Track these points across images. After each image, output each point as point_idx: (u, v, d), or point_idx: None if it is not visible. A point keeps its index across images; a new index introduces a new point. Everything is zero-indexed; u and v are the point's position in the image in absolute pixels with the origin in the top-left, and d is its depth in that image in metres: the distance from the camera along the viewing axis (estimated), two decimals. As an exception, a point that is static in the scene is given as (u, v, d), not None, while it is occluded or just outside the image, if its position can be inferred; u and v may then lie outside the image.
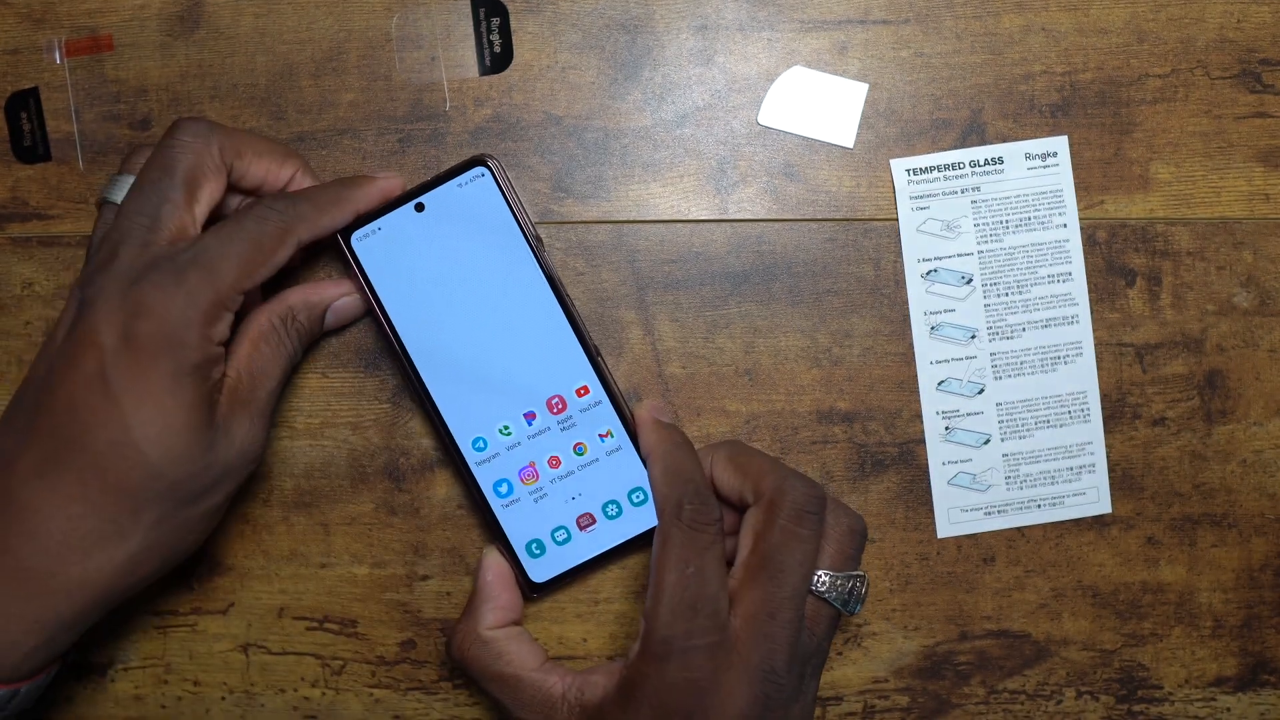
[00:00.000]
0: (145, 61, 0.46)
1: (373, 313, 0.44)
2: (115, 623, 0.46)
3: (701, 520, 0.40)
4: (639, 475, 0.44)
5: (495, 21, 0.46)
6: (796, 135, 0.46)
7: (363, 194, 0.42)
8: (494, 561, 0.44)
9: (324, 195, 0.41)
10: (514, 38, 0.46)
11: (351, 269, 0.44)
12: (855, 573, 0.40)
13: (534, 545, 0.44)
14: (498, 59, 0.46)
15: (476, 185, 0.44)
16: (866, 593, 0.40)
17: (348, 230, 0.44)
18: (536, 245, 0.44)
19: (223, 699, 0.46)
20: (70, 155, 0.46)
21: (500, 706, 0.41)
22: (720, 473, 0.42)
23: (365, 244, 0.44)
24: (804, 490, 0.39)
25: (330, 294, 0.44)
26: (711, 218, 0.46)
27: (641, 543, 0.45)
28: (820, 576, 0.39)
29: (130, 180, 0.40)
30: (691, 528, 0.39)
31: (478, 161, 0.44)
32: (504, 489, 0.44)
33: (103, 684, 0.47)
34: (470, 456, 0.44)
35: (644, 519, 0.44)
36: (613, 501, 0.44)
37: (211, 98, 0.46)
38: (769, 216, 0.46)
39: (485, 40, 0.46)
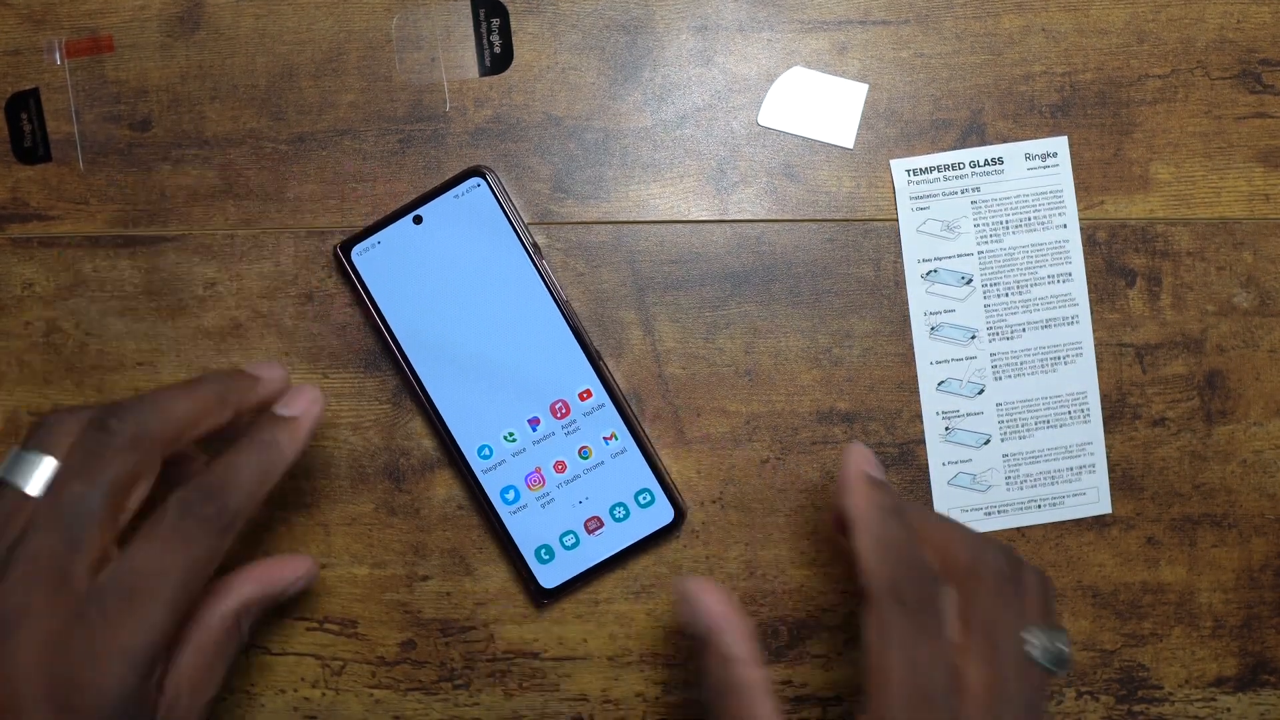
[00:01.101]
0: (145, 62, 0.46)
1: (375, 325, 0.44)
2: (115, 623, 0.46)
3: (925, 603, 0.35)
4: (644, 477, 0.44)
5: (495, 22, 0.46)
6: (796, 135, 0.46)
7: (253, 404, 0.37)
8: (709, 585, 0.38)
9: (248, 468, 0.35)
10: (514, 38, 0.46)
11: (352, 282, 0.44)
12: (1058, 629, 0.37)
13: (543, 551, 0.44)
14: (498, 59, 0.46)
15: (473, 196, 0.44)
16: (1070, 652, 0.37)
17: (347, 244, 0.44)
18: (534, 253, 0.44)
19: (223, 699, 0.46)
20: (70, 156, 0.46)
21: None
22: None
23: (365, 257, 0.44)
24: (1001, 555, 0.36)
25: (288, 577, 0.39)
26: (711, 218, 0.46)
27: (649, 544, 0.45)
28: (1028, 640, 0.36)
29: (44, 463, 0.33)
30: (917, 612, 0.35)
31: (474, 172, 0.44)
32: (511, 496, 0.44)
33: (103, 684, 0.47)
34: (476, 464, 0.44)
35: (651, 520, 0.44)
36: (620, 504, 0.44)
37: (211, 98, 0.46)
38: (769, 217, 0.46)
39: (485, 41, 0.46)
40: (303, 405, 0.38)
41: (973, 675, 0.35)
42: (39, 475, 0.34)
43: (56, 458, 0.34)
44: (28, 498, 0.33)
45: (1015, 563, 0.37)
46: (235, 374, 0.38)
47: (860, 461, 0.38)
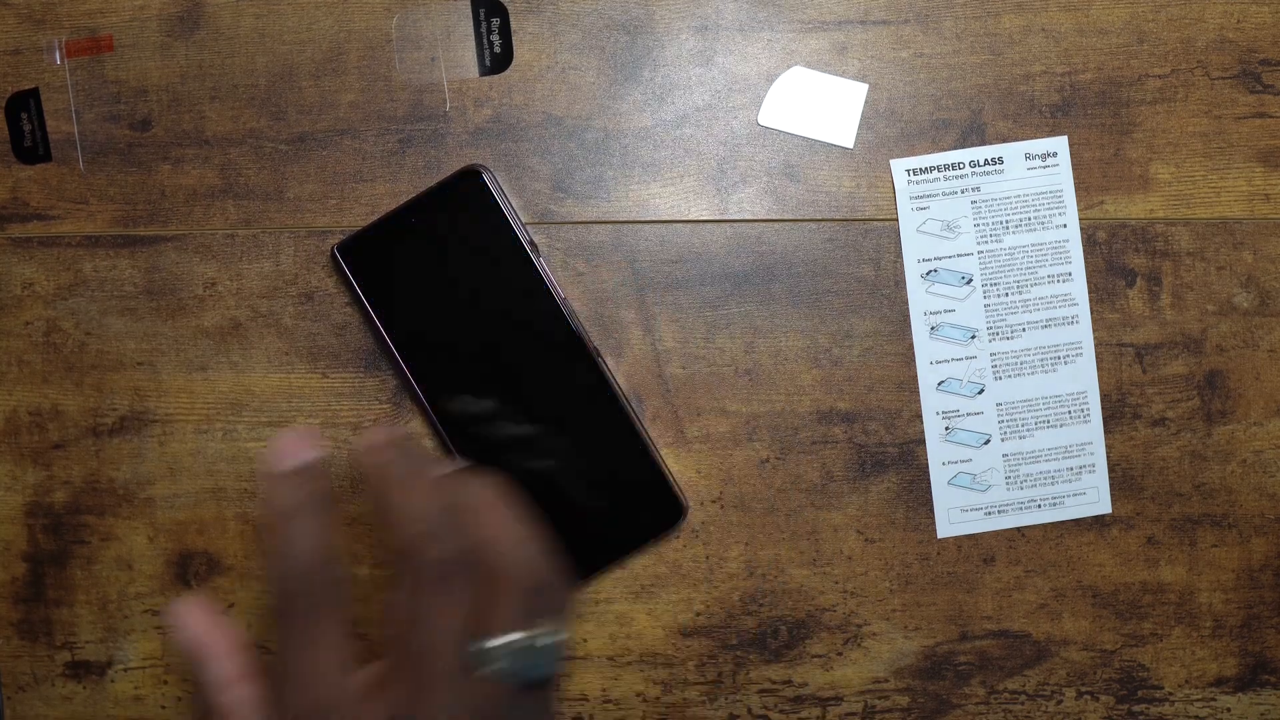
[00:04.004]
0: (145, 62, 0.46)
1: (371, 327, 0.44)
2: (114, 622, 0.46)
3: (316, 609, 0.31)
4: (645, 477, 0.44)
5: (495, 22, 0.46)
6: (796, 135, 0.46)
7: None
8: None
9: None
10: (514, 38, 0.46)
11: (350, 283, 0.44)
12: (537, 635, 0.30)
13: None
14: (498, 59, 0.46)
15: (470, 195, 0.44)
16: (557, 649, 0.30)
17: (344, 246, 0.44)
18: (533, 251, 0.44)
19: (223, 699, 0.46)
20: (71, 156, 0.46)
21: None
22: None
23: (361, 259, 0.44)
24: (442, 544, 0.30)
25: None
26: (711, 218, 0.46)
27: (649, 544, 0.45)
28: (483, 647, 0.30)
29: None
30: (303, 623, 0.31)
31: (471, 172, 0.44)
32: None
33: (103, 684, 0.47)
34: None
35: (652, 520, 0.44)
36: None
37: (211, 98, 0.46)
38: (769, 217, 0.46)
39: (485, 41, 0.46)
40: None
41: (386, 694, 0.30)
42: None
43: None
44: None
45: (467, 551, 0.31)
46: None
47: (278, 457, 0.32)
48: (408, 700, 0.30)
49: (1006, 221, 0.46)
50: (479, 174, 0.44)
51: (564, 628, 0.31)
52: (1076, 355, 0.46)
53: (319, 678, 0.30)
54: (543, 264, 0.44)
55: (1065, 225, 0.46)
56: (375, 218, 0.45)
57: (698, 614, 0.46)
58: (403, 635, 0.30)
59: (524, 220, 0.46)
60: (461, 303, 0.44)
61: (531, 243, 0.44)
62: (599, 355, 0.45)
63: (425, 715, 0.29)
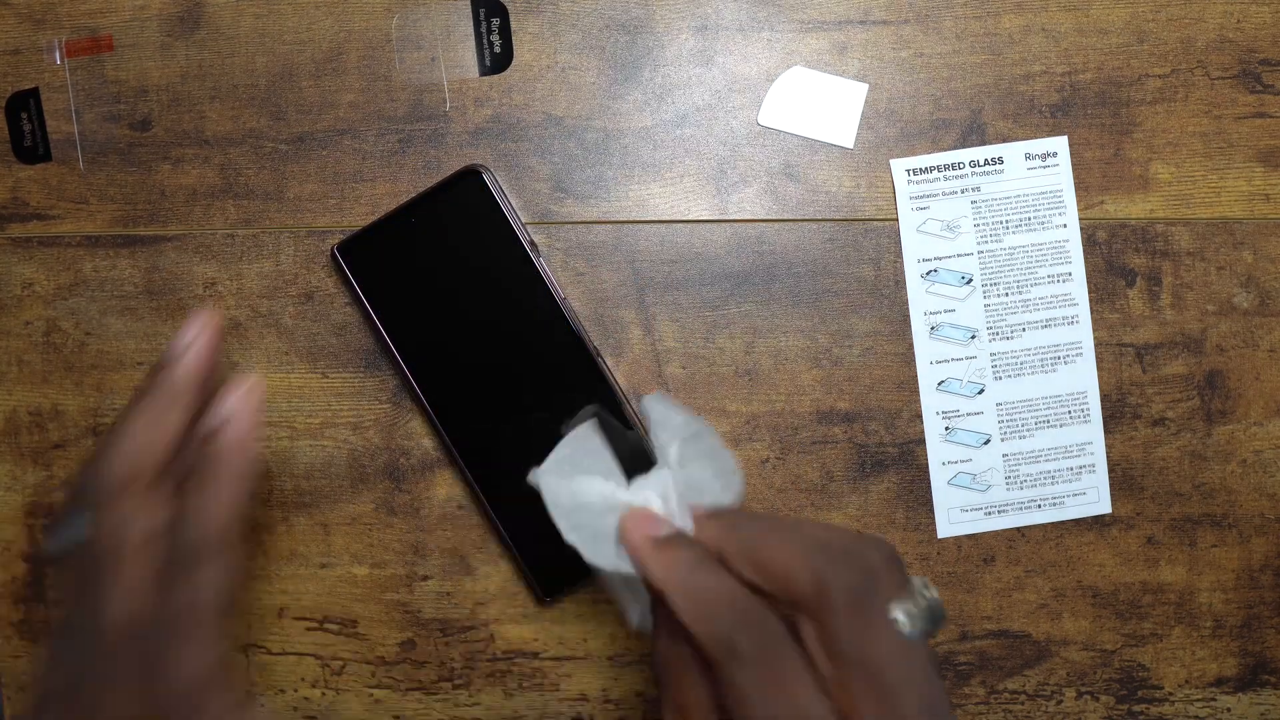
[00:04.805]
0: (145, 62, 0.46)
1: (371, 327, 0.44)
2: (115, 623, 0.46)
3: (770, 646, 0.31)
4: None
5: (495, 22, 0.46)
6: (796, 135, 0.46)
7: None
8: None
9: (212, 502, 0.35)
10: (514, 38, 0.46)
11: (348, 283, 0.44)
12: (918, 591, 0.32)
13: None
14: (498, 59, 0.46)
15: (470, 195, 0.44)
16: (937, 596, 0.33)
17: (343, 246, 0.44)
18: (532, 251, 0.44)
19: (223, 699, 0.46)
20: (71, 156, 0.46)
21: None
22: (740, 575, 0.33)
23: (361, 259, 0.44)
24: (843, 564, 0.32)
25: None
26: (711, 218, 0.46)
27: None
28: (899, 621, 0.32)
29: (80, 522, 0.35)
30: (760, 664, 0.31)
31: (470, 172, 0.44)
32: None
33: (103, 684, 0.47)
34: (475, 465, 0.44)
35: None
36: None
37: (211, 98, 0.46)
38: (769, 217, 0.46)
39: (485, 41, 0.46)
40: (230, 411, 0.36)
41: (858, 704, 0.31)
42: (77, 531, 0.35)
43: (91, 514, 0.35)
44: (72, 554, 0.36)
45: (868, 572, 0.32)
46: (161, 378, 0.37)
47: (638, 528, 0.33)
48: (872, 701, 0.31)
49: (1006, 221, 0.46)
50: (479, 174, 0.44)
51: (925, 581, 0.33)
52: (1076, 355, 0.46)
53: (815, 705, 0.31)
54: (542, 264, 0.44)
55: (1065, 225, 0.46)
56: (375, 217, 0.45)
57: (698, 614, 0.46)
58: (850, 664, 0.31)
59: (524, 220, 0.46)
60: (461, 303, 0.44)
61: (531, 242, 0.44)
62: (599, 355, 0.45)
63: (892, 702, 0.30)
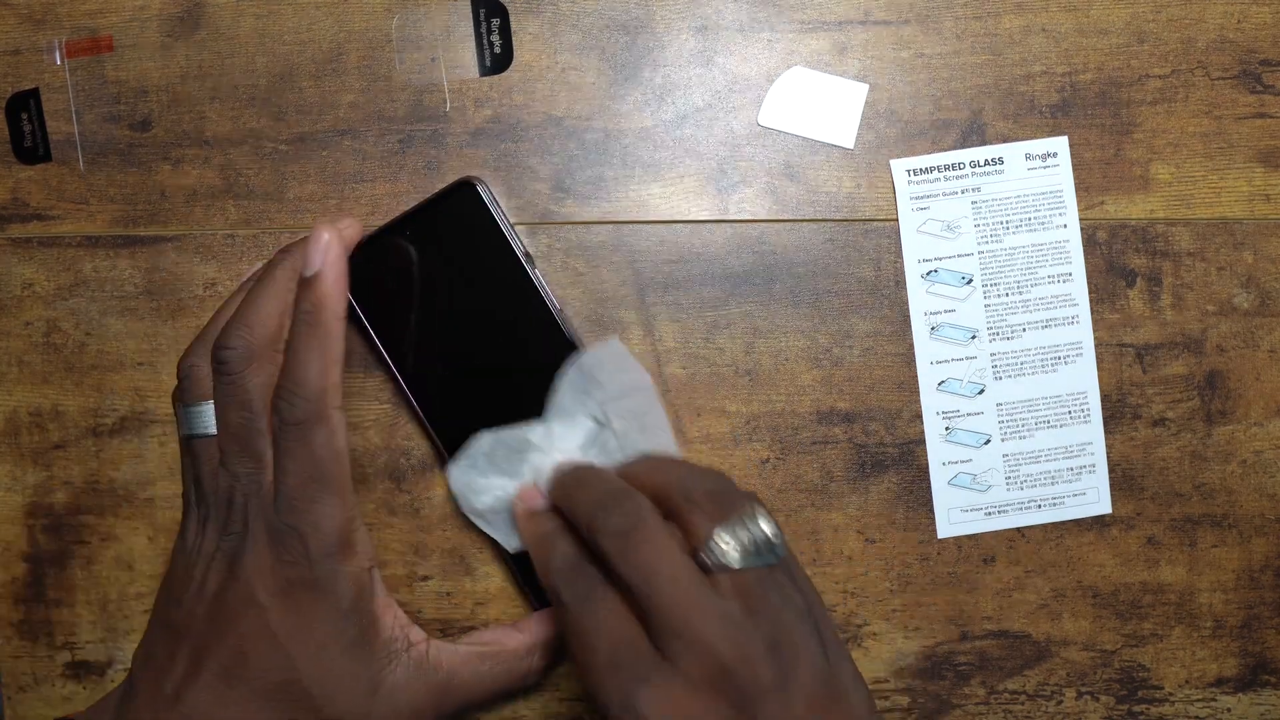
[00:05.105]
0: (145, 62, 0.46)
1: (367, 340, 0.44)
2: (115, 622, 0.46)
3: (574, 577, 0.36)
4: None
5: (495, 22, 0.46)
6: (796, 136, 0.46)
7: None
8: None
9: (306, 351, 0.39)
10: (514, 38, 0.46)
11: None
12: (740, 519, 0.36)
13: None
14: (498, 60, 0.46)
15: (465, 207, 0.44)
16: (768, 523, 0.36)
17: None
18: (528, 263, 0.44)
19: (223, 699, 0.46)
20: (71, 156, 0.46)
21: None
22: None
23: (354, 273, 0.44)
24: (615, 510, 0.36)
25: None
26: (711, 218, 0.46)
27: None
28: (713, 547, 0.35)
29: (209, 409, 0.40)
30: (573, 585, 0.36)
31: (465, 184, 0.44)
32: None
33: (102, 684, 0.47)
34: None
35: None
36: None
37: (211, 99, 0.46)
38: (769, 217, 0.46)
39: (485, 41, 0.46)
40: (318, 259, 0.40)
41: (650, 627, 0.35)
42: (210, 418, 0.40)
43: (210, 398, 0.40)
44: (214, 436, 0.40)
45: (637, 512, 0.36)
46: (291, 253, 0.41)
47: (520, 504, 0.41)
48: (670, 625, 0.34)
49: (1007, 221, 0.46)
50: (474, 185, 0.44)
51: (757, 506, 0.36)
52: (1076, 355, 0.46)
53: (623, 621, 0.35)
54: (538, 275, 0.44)
55: (1065, 225, 0.46)
56: (370, 231, 0.44)
57: (698, 614, 0.46)
58: (633, 588, 0.34)
59: (524, 221, 0.46)
60: (457, 315, 0.44)
61: (527, 254, 0.44)
62: None
63: (693, 624, 0.34)
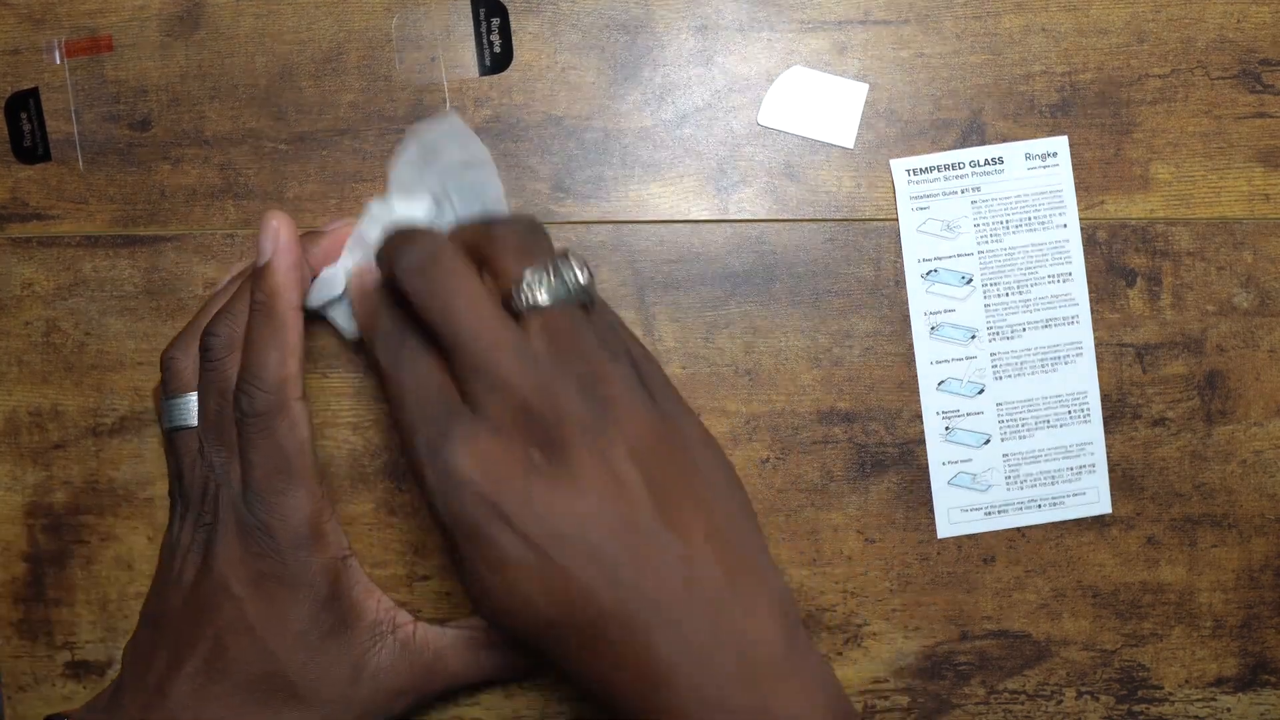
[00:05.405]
0: (145, 62, 0.46)
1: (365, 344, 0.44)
2: (115, 622, 0.46)
3: (389, 333, 0.36)
4: None
5: (495, 22, 0.46)
6: (796, 135, 0.46)
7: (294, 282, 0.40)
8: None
9: (261, 342, 0.39)
10: (514, 38, 0.46)
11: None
12: (550, 260, 0.34)
13: None
14: (498, 59, 0.46)
15: None
16: (580, 266, 0.34)
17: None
18: None
19: (223, 699, 0.46)
20: (70, 156, 0.46)
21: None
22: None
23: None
24: (413, 247, 0.34)
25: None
26: (711, 218, 0.46)
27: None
28: (521, 288, 0.34)
29: (188, 402, 0.41)
30: (389, 337, 0.35)
31: None
32: None
33: (102, 684, 0.47)
34: None
35: None
36: None
37: (211, 98, 0.46)
38: (769, 217, 0.46)
39: (485, 40, 0.46)
40: (268, 247, 0.40)
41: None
42: (189, 411, 0.40)
43: (195, 390, 0.41)
44: (194, 429, 0.41)
45: (429, 250, 0.34)
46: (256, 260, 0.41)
47: (358, 278, 0.39)
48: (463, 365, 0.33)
49: (1006, 221, 0.46)
50: None
51: (570, 252, 0.35)
52: (1076, 355, 0.46)
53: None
54: None
55: (1065, 225, 0.46)
56: None
57: (698, 614, 0.46)
58: (449, 322, 0.33)
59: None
60: None
61: None
62: None
63: (487, 357, 0.33)
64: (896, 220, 0.46)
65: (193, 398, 0.40)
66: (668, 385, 0.35)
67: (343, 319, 0.42)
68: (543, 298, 0.33)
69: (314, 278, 0.43)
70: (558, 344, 0.33)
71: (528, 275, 0.34)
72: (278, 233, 0.39)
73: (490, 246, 0.35)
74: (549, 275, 0.34)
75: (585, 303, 0.35)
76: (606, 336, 0.34)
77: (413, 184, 0.40)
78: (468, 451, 0.32)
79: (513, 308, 0.34)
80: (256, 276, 0.40)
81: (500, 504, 0.31)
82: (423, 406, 0.33)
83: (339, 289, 0.41)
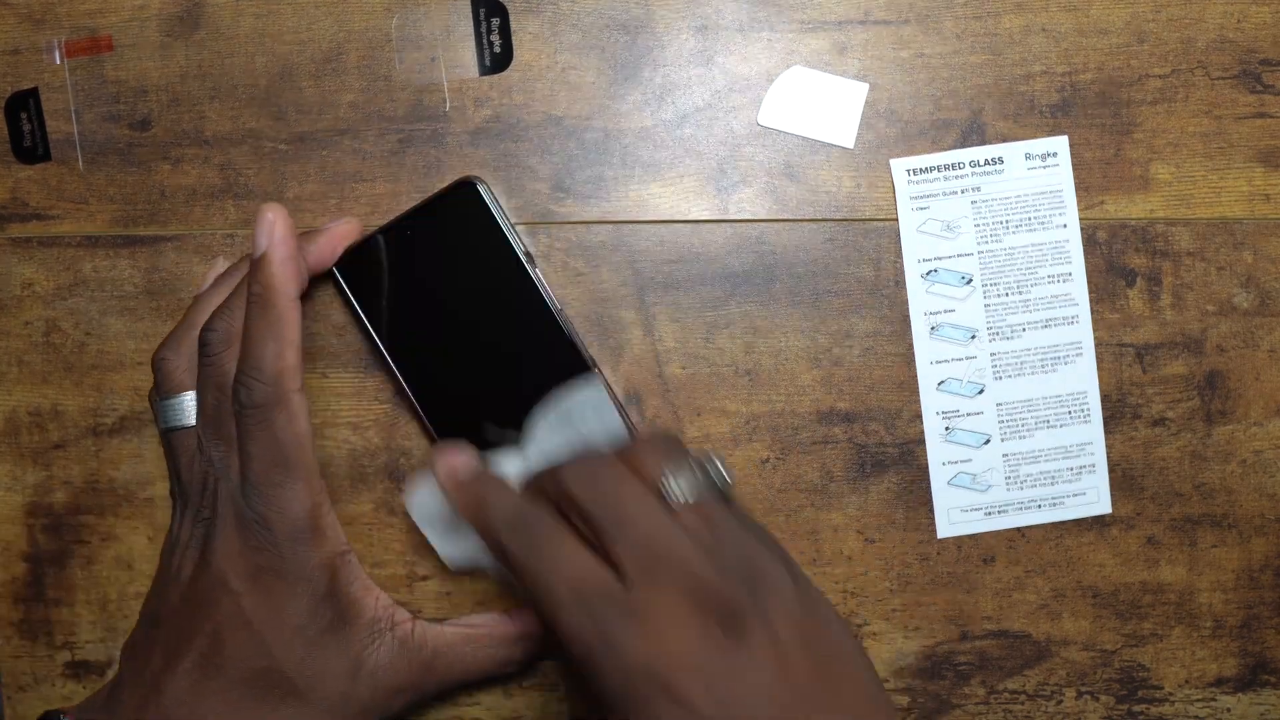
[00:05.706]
0: (145, 62, 0.46)
1: (367, 339, 0.44)
2: (115, 622, 0.46)
3: (536, 524, 0.35)
4: None
5: (495, 22, 0.46)
6: (796, 135, 0.46)
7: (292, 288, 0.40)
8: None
9: (258, 335, 0.39)
10: (514, 38, 0.46)
11: (344, 296, 0.44)
12: (687, 458, 0.36)
13: None
14: (498, 59, 0.46)
15: (466, 206, 0.44)
16: (717, 460, 0.37)
17: (338, 260, 0.44)
18: (528, 263, 0.44)
19: (223, 699, 0.46)
20: (70, 156, 0.46)
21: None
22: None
23: (355, 273, 0.44)
24: (577, 460, 0.36)
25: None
26: (712, 218, 0.46)
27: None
28: (667, 484, 0.35)
29: (183, 401, 0.41)
30: (536, 526, 0.35)
31: (465, 183, 0.44)
32: None
33: (102, 684, 0.47)
34: None
35: None
36: None
37: (211, 98, 0.46)
38: (769, 217, 0.46)
39: (485, 40, 0.46)
40: (263, 239, 0.40)
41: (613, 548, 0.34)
42: (184, 410, 0.41)
43: (189, 389, 0.41)
44: (190, 428, 0.41)
45: (591, 473, 0.35)
46: (250, 255, 0.41)
47: (444, 464, 0.38)
48: (635, 562, 0.34)
49: (1006, 221, 0.46)
50: (474, 185, 0.44)
51: (703, 454, 0.37)
52: (1076, 355, 0.46)
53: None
54: (538, 275, 0.44)
55: (1065, 225, 0.46)
56: (370, 231, 0.44)
57: (698, 614, 0.46)
58: (602, 522, 0.34)
59: (524, 221, 0.46)
60: (458, 315, 0.44)
61: (528, 254, 0.44)
62: (596, 366, 0.44)
63: (655, 547, 0.34)
64: (896, 220, 0.46)
65: (187, 397, 0.41)
66: (797, 564, 0.36)
67: (437, 537, 0.43)
68: (690, 492, 0.35)
69: (312, 277, 0.43)
70: (715, 531, 0.34)
71: (673, 473, 0.35)
72: (273, 225, 0.39)
73: (640, 453, 0.36)
74: (692, 472, 0.36)
75: (727, 496, 0.37)
76: (749, 522, 0.36)
77: (549, 447, 0.42)
78: (650, 636, 0.32)
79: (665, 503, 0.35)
80: (252, 269, 0.40)
81: (673, 682, 0.32)
82: (581, 593, 0.33)
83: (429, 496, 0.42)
